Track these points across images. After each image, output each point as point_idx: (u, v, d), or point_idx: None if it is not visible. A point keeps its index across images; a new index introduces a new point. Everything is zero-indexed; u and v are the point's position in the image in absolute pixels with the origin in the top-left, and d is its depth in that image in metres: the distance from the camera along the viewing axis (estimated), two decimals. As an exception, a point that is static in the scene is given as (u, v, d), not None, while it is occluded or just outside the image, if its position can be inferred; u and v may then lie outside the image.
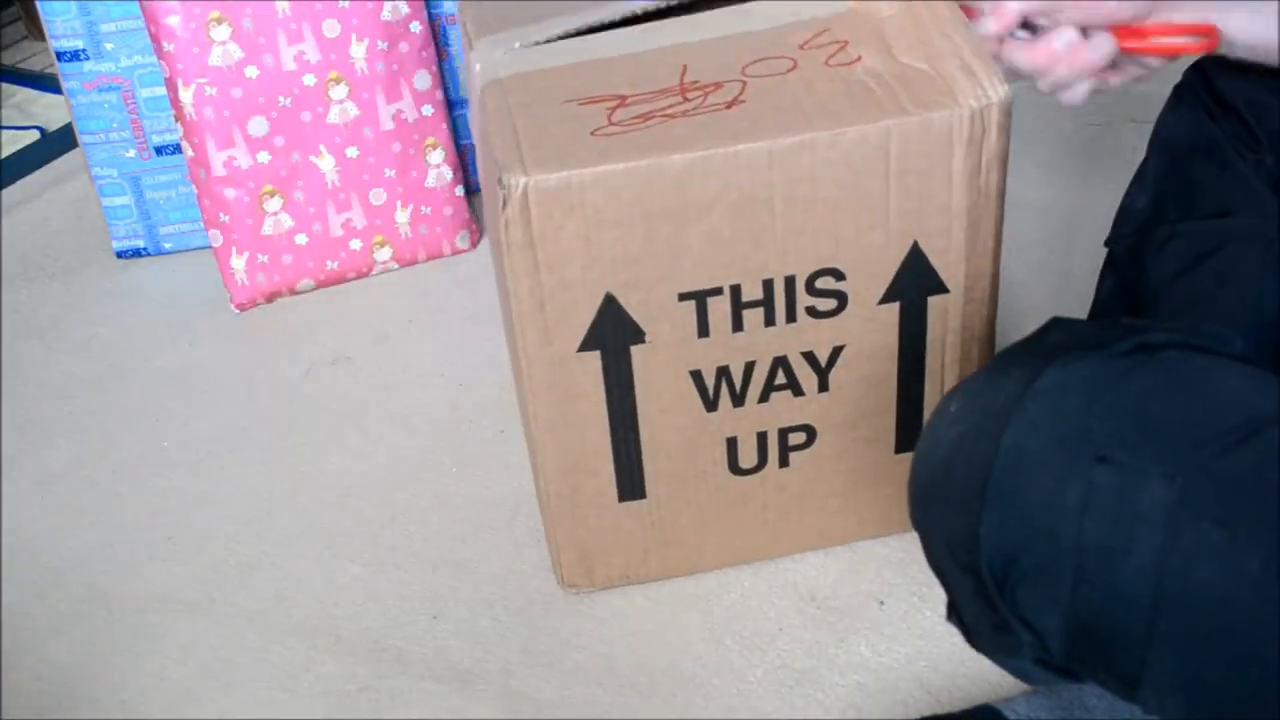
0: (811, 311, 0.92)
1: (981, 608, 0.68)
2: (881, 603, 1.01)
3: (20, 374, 1.39)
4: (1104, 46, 0.79)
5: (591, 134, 0.86)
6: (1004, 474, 0.62)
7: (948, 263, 0.92)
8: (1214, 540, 0.56)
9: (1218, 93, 0.88)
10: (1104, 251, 0.95)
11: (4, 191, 1.70)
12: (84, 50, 1.43)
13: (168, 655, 1.04)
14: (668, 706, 0.95)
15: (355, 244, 1.45)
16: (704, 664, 0.98)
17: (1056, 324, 0.70)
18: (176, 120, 1.38)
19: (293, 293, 1.45)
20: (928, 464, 0.70)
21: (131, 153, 1.49)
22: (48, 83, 1.93)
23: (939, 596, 0.75)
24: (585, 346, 0.91)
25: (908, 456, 0.74)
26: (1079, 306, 0.96)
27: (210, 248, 1.44)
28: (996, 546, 0.63)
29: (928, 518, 0.71)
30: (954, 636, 0.75)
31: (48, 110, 1.90)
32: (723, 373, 0.94)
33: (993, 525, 0.63)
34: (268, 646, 1.04)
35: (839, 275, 0.91)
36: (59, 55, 1.43)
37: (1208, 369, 0.62)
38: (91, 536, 1.16)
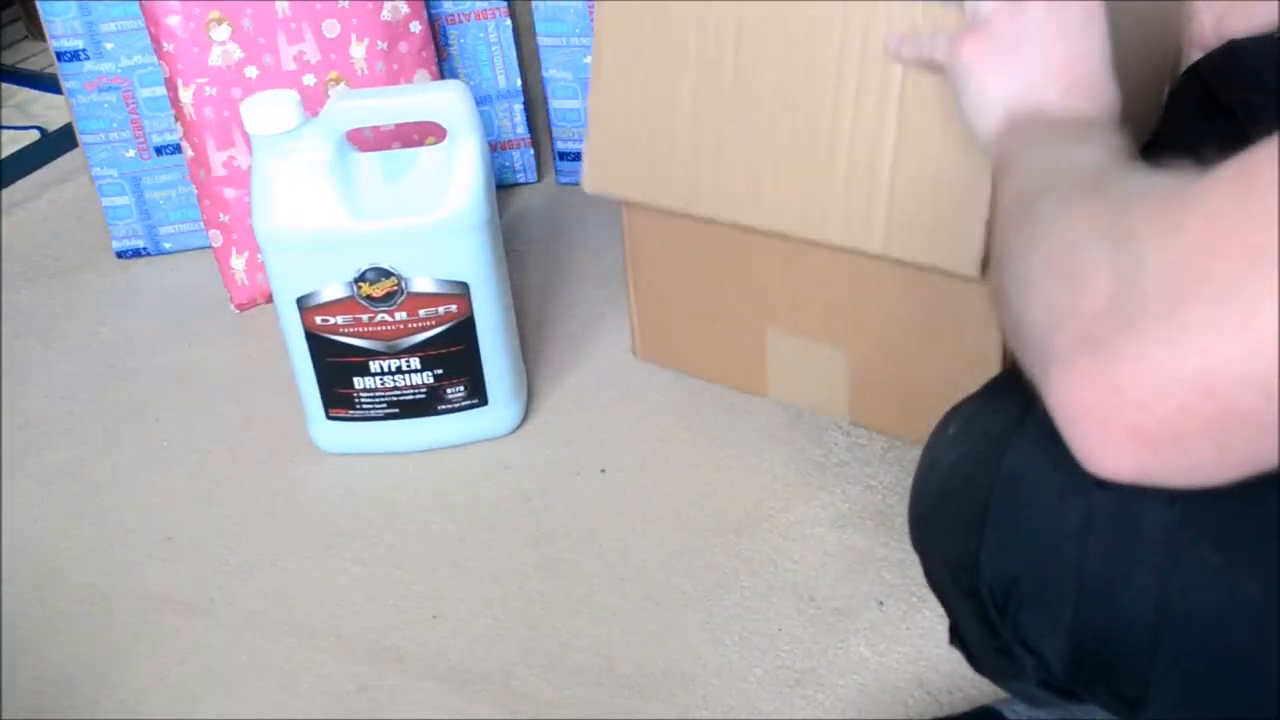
0: None
1: (983, 632, 0.68)
2: (881, 603, 1.01)
3: (20, 374, 1.39)
4: None
5: None
6: (1004, 499, 0.62)
7: None
8: (1215, 563, 0.55)
9: (1213, 95, 0.88)
10: None
11: (4, 191, 1.70)
12: (84, 50, 1.43)
13: (168, 655, 1.04)
14: (668, 707, 0.95)
15: (355, 244, 1.45)
16: (704, 664, 0.98)
17: None
18: (176, 120, 1.38)
19: (293, 293, 1.45)
20: (927, 488, 0.69)
21: (131, 153, 1.49)
22: (48, 83, 1.93)
23: (939, 597, 0.75)
24: None
25: None
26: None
27: (210, 248, 1.44)
28: (997, 570, 0.63)
29: (928, 542, 0.71)
30: (954, 637, 0.75)
31: (48, 110, 1.91)
32: None
33: (993, 549, 0.63)
34: (268, 646, 1.04)
35: None
36: (59, 55, 1.44)
37: None
38: (91, 536, 1.16)
